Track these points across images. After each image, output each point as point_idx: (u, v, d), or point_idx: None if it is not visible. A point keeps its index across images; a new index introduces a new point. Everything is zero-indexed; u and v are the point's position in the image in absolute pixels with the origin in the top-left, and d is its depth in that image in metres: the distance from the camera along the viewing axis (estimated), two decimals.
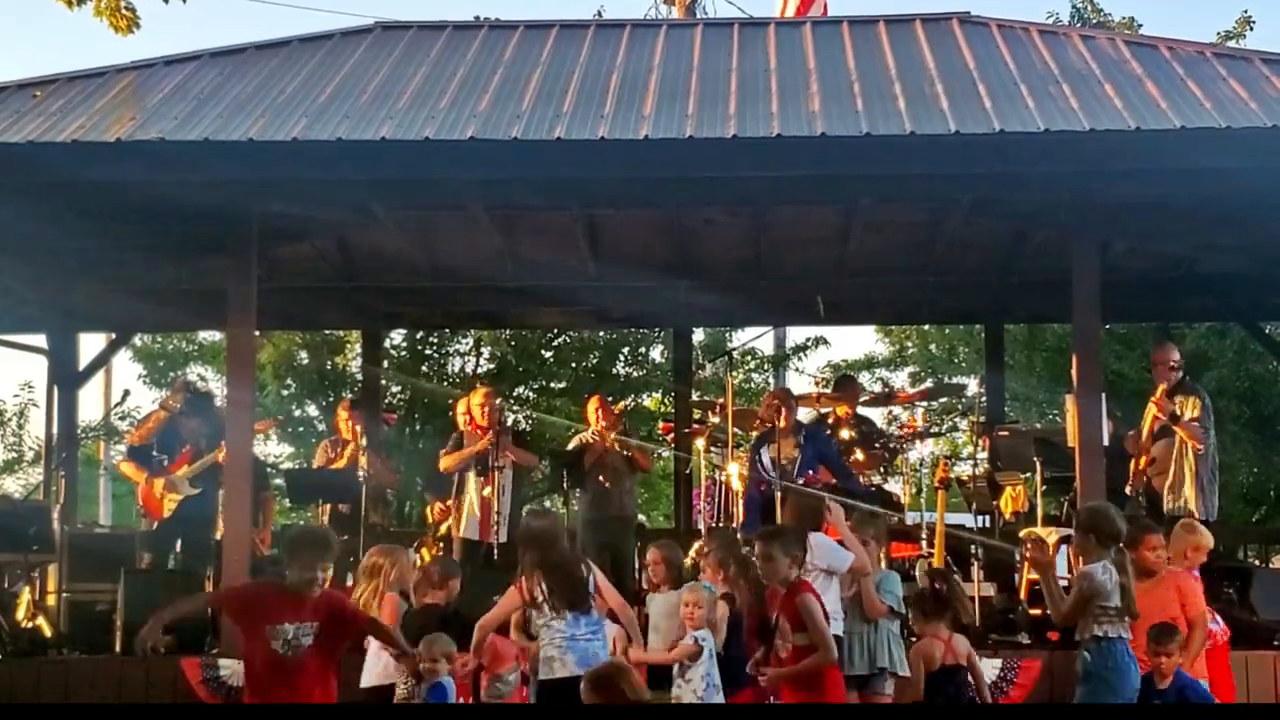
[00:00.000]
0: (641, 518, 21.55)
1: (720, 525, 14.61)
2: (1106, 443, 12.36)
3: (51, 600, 13.58)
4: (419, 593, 10.68)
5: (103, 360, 19.10)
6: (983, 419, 16.56)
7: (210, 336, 24.89)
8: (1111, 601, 9.41)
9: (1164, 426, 13.33)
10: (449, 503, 14.52)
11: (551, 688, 9.71)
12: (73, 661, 12.45)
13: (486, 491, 14.01)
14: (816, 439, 14.26)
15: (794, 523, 10.83)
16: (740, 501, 14.32)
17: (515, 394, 24.71)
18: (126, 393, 20.08)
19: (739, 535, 12.31)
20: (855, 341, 47.74)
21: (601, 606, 10.19)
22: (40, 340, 17.05)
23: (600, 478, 14.58)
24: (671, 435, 17.33)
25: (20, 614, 13.23)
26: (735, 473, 14.64)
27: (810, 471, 13.59)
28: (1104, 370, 14.01)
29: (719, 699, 10.07)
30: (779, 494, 13.04)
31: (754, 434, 16.87)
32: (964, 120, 11.31)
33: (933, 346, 29.60)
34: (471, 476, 14.29)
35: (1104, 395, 12.30)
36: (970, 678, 10.48)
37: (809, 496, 11.65)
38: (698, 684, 10.05)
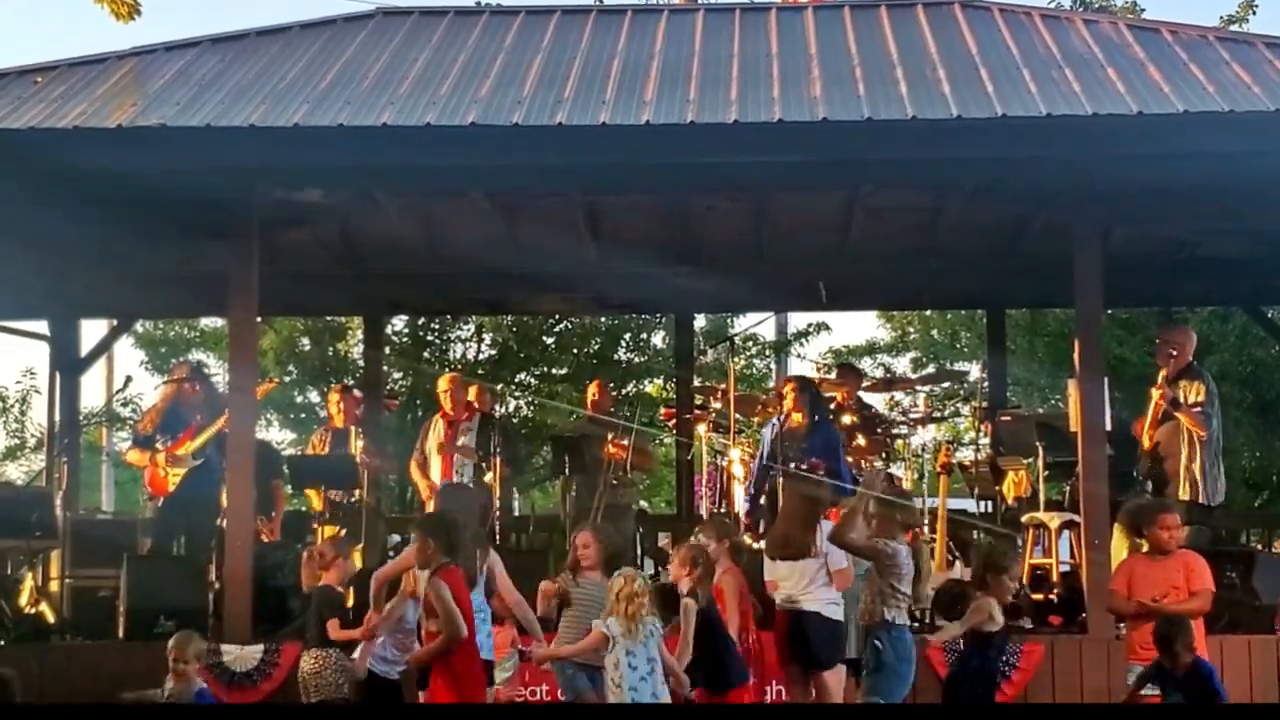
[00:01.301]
0: (643, 504, 21.57)
1: (718, 512, 14.62)
2: (1109, 428, 12.36)
3: (54, 586, 13.60)
4: (308, 575, 10.75)
5: (104, 347, 19.10)
6: (985, 404, 16.56)
7: (212, 323, 24.90)
8: (903, 586, 9.48)
9: (1167, 412, 13.34)
10: None
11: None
12: (75, 647, 12.48)
13: (488, 478, 14.00)
14: (825, 431, 14.22)
15: (796, 509, 10.83)
16: (742, 485, 14.34)
17: (517, 380, 24.71)
18: (128, 379, 20.13)
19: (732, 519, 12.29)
20: (857, 327, 47.95)
21: (500, 605, 10.25)
22: (42, 327, 17.06)
23: (599, 464, 14.58)
24: (673, 421, 17.33)
25: (23, 600, 13.25)
26: (737, 458, 14.65)
27: (812, 459, 13.59)
28: (1106, 355, 13.99)
29: (660, 689, 10.00)
30: (780, 480, 13.05)
31: (755, 420, 16.92)
32: (966, 105, 11.30)
33: (934, 332, 29.60)
34: (437, 462, 14.29)
35: (1106, 380, 12.30)
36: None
37: (809, 483, 11.64)
38: (614, 674, 9.83)
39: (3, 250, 14.42)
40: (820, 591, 10.27)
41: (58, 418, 16.81)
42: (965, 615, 10.11)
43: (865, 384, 17.18)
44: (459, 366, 23.21)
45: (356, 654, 10.23)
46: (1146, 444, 13.44)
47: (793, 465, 13.11)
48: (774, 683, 11.00)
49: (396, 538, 14.42)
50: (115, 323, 18.92)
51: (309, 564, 10.91)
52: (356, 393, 16.03)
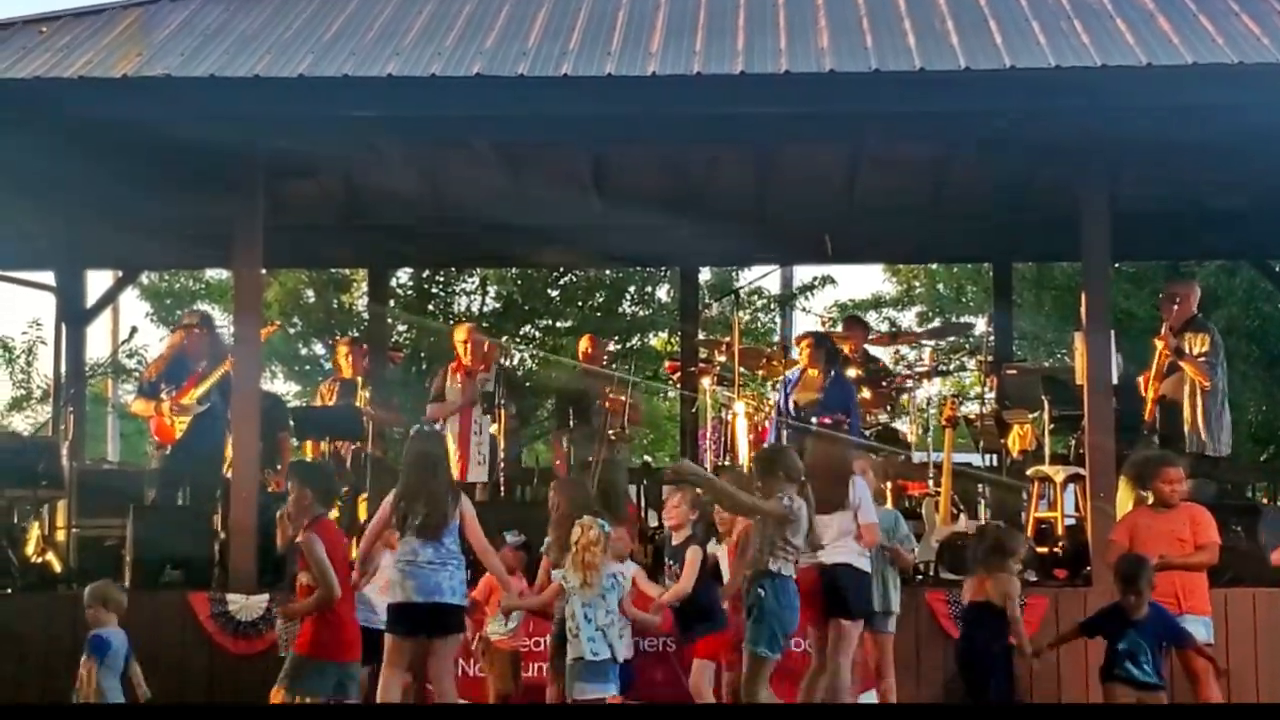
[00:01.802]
0: (648, 458, 21.62)
1: (727, 465, 14.63)
2: (1115, 381, 12.36)
3: (61, 535, 13.61)
4: (282, 533, 10.81)
5: (110, 298, 19.09)
6: (990, 358, 16.55)
7: (217, 274, 24.93)
8: (796, 539, 9.53)
9: (1172, 364, 13.33)
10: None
11: (394, 611, 9.91)
12: (81, 596, 12.49)
13: (494, 429, 14.01)
14: (842, 386, 14.23)
15: (825, 463, 10.82)
16: (751, 437, 14.36)
17: (521, 333, 24.73)
18: (134, 330, 19.95)
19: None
20: (863, 281, 47.87)
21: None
22: (48, 278, 17.05)
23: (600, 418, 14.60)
24: (677, 374, 17.32)
25: (30, 549, 13.26)
26: (742, 412, 14.65)
27: (827, 416, 13.60)
28: (1113, 309, 13.97)
29: (618, 643, 10.01)
30: (801, 435, 13.10)
31: (760, 373, 16.92)
32: (974, 56, 11.24)
33: (940, 285, 29.62)
34: (452, 415, 14.30)
35: (1112, 333, 12.29)
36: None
37: (832, 439, 11.65)
38: (570, 624, 9.95)
39: (9, 201, 14.41)
40: (850, 544, 10.28)
41: (63, 369, 16.82)
42: (998, 583, 10.06)
43: (871, 337, 17.18)
44: (464, 319, 23.21)
45: None
46: (1152, 397, 13.43)
47: (814, 420, 13.15)
48: (801, 640, 11.03)
49: None
50: (121, 274, 18.91)
51: (282, 522, 10.97)
52: (365, 345, 16.04)
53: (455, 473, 13.86)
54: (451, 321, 22.65)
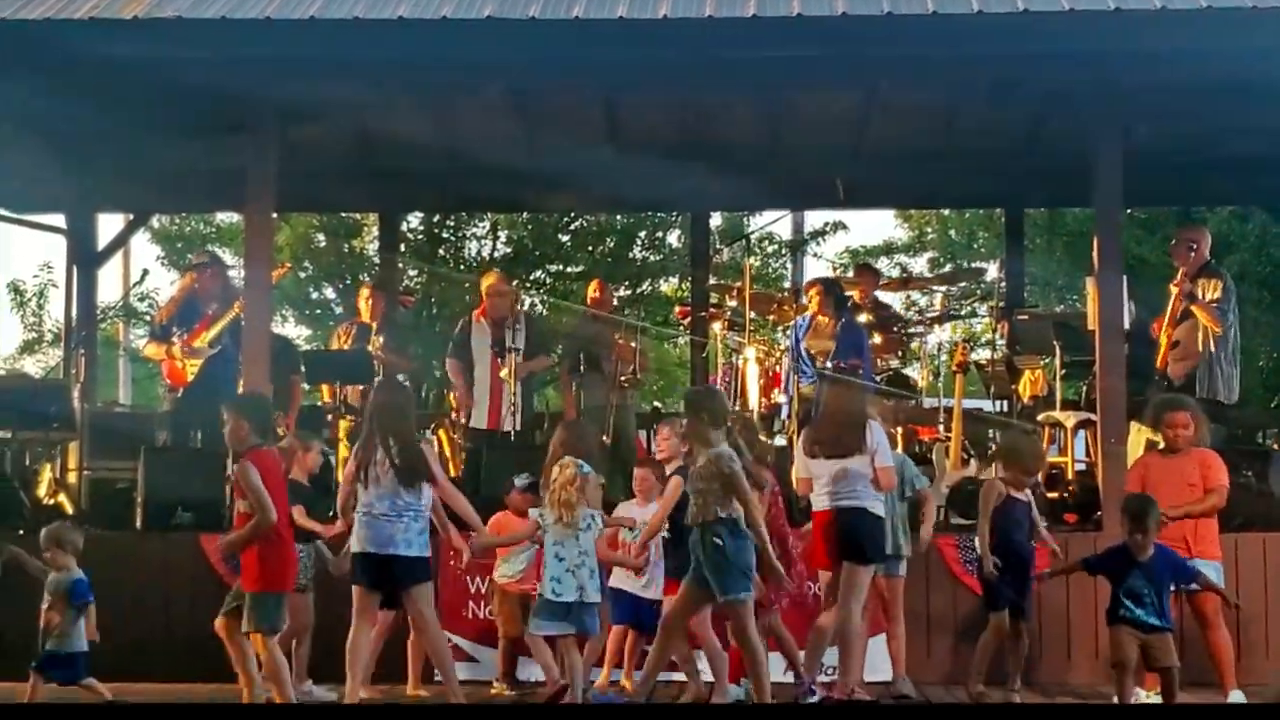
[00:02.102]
0: (657, 404, 21.61)
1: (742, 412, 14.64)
2: (1127, 326, 12.36)
3: (72, 478, 13.65)
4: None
5: (121, 241, 19.09)
6: (1002, 303, 16.53)
7: (228, 218, 24.92)
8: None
9: (1186, 310, 13.32)
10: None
11: (355, 561, 9.98)
12: (93, 537, 12.48)
13: (503, 374, 14.00)
14: (853, 331, 14.23)
15: (842, 408, 10.83)
16: (762, 382, 14.38)
17: (532, 278, 24.72)
18: (145, 273, 20.13)
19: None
20: (874, 226, 47.69)
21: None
22: (59, 220, 17.04)
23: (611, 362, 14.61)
24: (688, 320, 17.32)
25: (42, 491, 13.30)
26: (752, 357, 14.66)
27: (851, 359, 13.61)
28: (1124, 254, 13.95)
29: (588, 584, 10.03)
30: (815, 383, 13.11)
31: (771, 318, 16.91)
32: (988, 0, 11.20)
33: (952, 231, 29.56)
34: (482, 363, 14.28)
35: (1125, 279, 12.27)
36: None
37: (848, 384, 11.64)
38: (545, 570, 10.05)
39: (20, 143, 14.40)
40: (865, 488, 10.29)
41: (75, 312, 16.83)
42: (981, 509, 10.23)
43: (881, 283, 17.16)
44: (475, 264, 23.21)
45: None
46: (1164, 342, 13.43)
47: (829, 366, 13.16)
48: (812, 583, 11.06)
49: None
50: (132, 218, 18.91)
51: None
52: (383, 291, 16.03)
53: (484, 422, 13.91)
54: (462, 266, 22.68)
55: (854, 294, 15.54)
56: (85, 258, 17.00)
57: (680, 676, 10.63)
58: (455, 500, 10.30)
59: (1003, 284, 17.53)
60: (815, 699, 10.12)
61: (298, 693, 10.57)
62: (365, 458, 9.93)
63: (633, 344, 14.67)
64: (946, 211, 28.34)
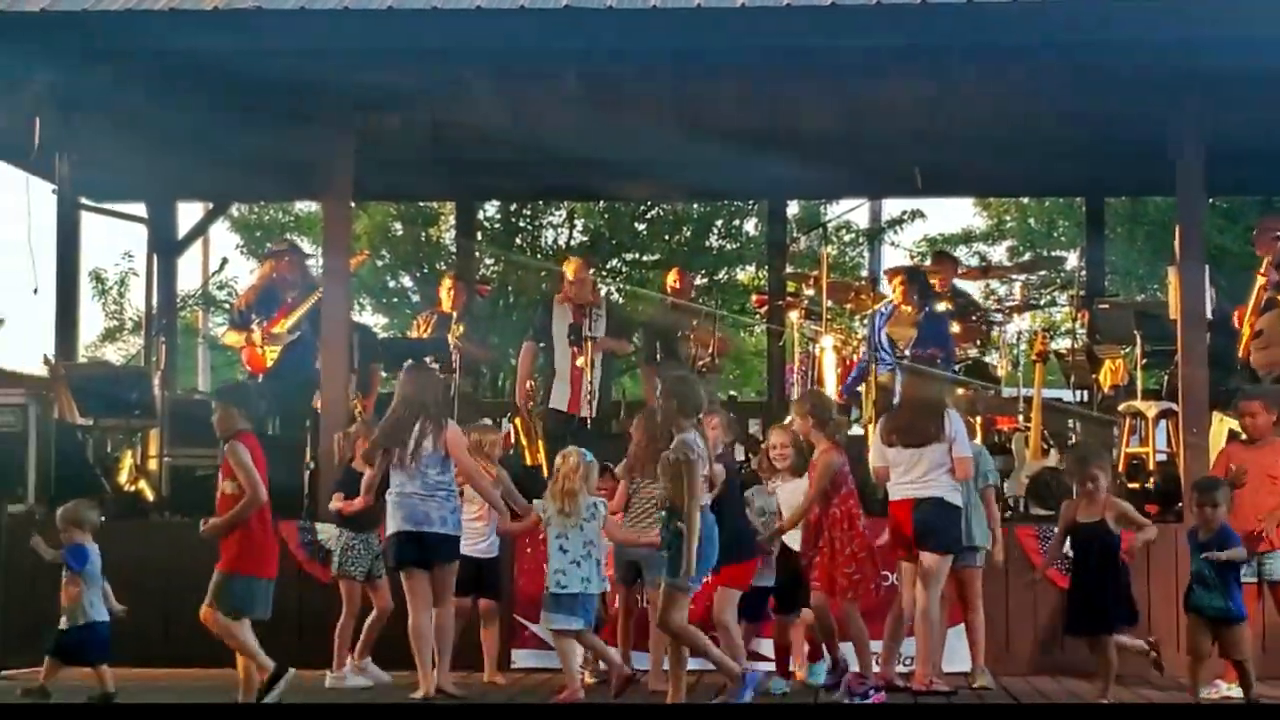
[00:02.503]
0: (733, 392, 21.59)
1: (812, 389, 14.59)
2: (1210, 316, 12.23)
3: (153, 465, 13.75)
4: (339, 450, 11.27)
5: (201, 230, 19.22)
6: (1082, 292, 16.39)
7: (307, 207, 25.05)
8: (705, 471, 9.44)
9: (1270, 299, 13.17)
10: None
11: (390, 541, 10.26)
12: (173, 524, 12.65)
13: (580, 362, 14.02)
14: (936, 321, 14.16)
15: (920, 396, 10.78)
16: (839, 371, 14.32)
17: (608, 266, 24.73)
18: (225, 261, 20.26)
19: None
20: (953, 214, 47.64)
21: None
22: (140, 209, 17.16)
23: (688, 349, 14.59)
24: (765, 308, 17.27)
25: (123, 478, 13.41)
26: (830, 346, 14.60)
27: (930, 349, 13.55)
28: (1206, 243, 13.81)
29: (594, 575, 10.02)
30: (893, 371, 13.05)
31: (848, 307, 16.85)
32: None
33: (1031, 220, 29.37)
34: (562, 347, 14.31)
35: (1207, 268, 12.15)
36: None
37: (927, 373, 11.58)
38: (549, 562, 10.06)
39: (102, 133, 14.49)
40: (943, 478, 10.24)
41: (155, 300, 16.96)
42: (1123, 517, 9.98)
43: (960, 272, 17.05)
44: (551, 253, 23.23)
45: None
46: (1247, 332, 13.29)
47: (909, 354, 13.10)
48: (889, 574, 11.01)
49: (488, 421, 14.47)
50: (211, 206, 19.03)
51: (340, 442, 11.28)
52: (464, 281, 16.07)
53: (565, 405, 13.94)
54: (539, 254, 22.72)
55: (933, 282, 15.44)
56: (165, 246, 17.12)
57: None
58: (476, 482, 10.37)
59: (1083, 273, 17.38)
60: (870, 699, 9.96)
61: (353, 669, 10.68)
62: (395, 439, 10.09)
63: (711, 330, 14.64)
64: (1026, 200, 28.15)
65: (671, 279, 15.78)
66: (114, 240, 62.17)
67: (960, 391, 13.26)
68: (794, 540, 10.54)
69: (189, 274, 27.16)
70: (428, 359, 12.86)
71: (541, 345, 14.69)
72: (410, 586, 10.13)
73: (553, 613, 9.98)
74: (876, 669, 10.43)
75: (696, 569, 9.36)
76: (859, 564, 10.07)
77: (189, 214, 18.34)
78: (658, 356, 14.85)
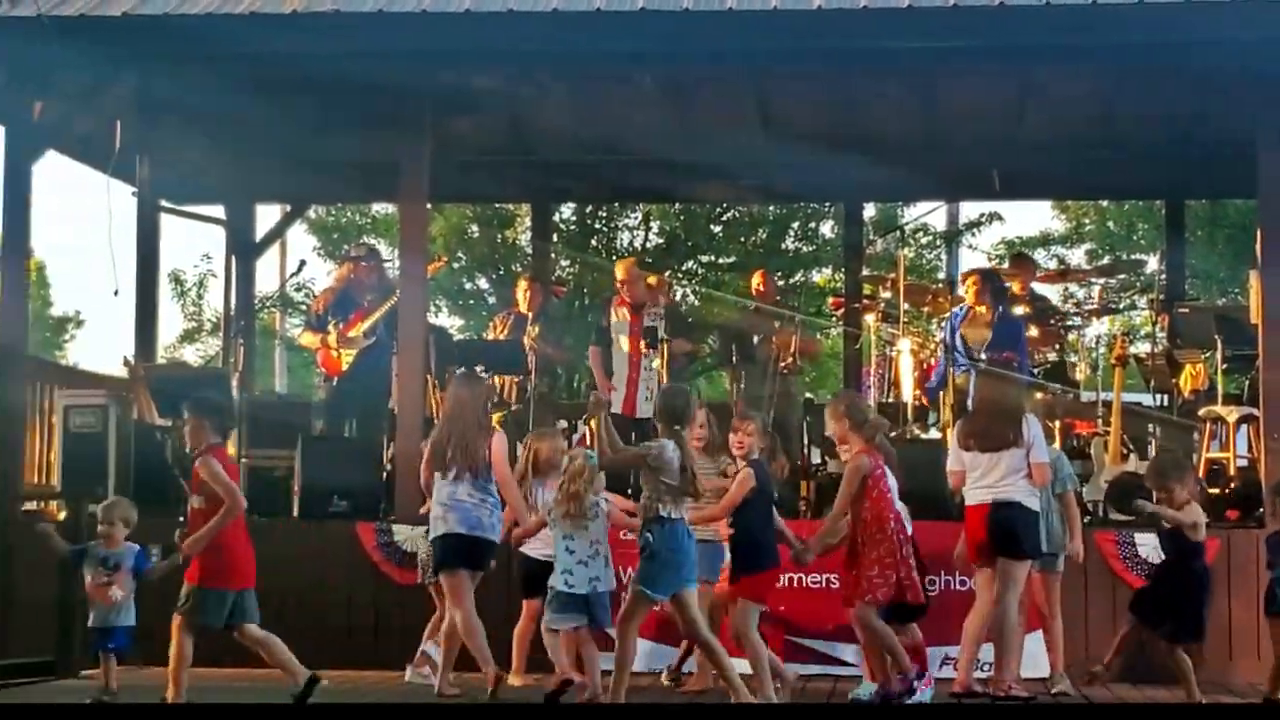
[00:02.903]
0: (809, 395, 21.49)
1: (847, 390, 14.53)
2: None
3: None
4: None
5: (278, 232, 19.35)
6: (1162, 296, 16.25)
7: (383, 209, 25.14)
8: (670, 479, 9.35)
9: None
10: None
11: (439, 544, 10.30)
12: (251, 524, 12.68)
13: (655, 364, 14.01)
14: (1011, 323, 14.07)
15: (997, 400, 10.70)
16: (916, 374, 14.25)
17: (684, 269, 24.71)
18: (302, 263, 20.29)
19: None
20: (1031, 217, 47.14)
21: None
22: (219, 211, 17.29)
23: (767, 354, 14.54)
24: (841, 311, 17.22)
25: None
26: (906, 349, 14.53)
27: (1005, 352, 13.45)
28: None
29: (603, 574, 9.94)
30: (968, 373, 12.97)
31: (925, 310, 16.77)
32: None
33: (1111, 223, 29.15)
34: (624, 350, 14.31)
35: None
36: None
37: (1004, 376, 11.48)
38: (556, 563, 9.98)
39: (181, 136, 14.63)
40: (1020, 482, 10.15)
41: (233, 301, 17.08)
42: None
43: (1039, 274, 16.95)
44: (626, 254, 23.22)
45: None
46: None
47: (984, 357, 13.01)
48: (966, 579, 10.96)
49: (564, 424, 14.49)
50: (289, 208, 19.15)
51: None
52: (540, 283, 16.09)
53: (620, 408, 13.93)
54: (614, 257, 22.70)
55: (1013, 285, 15.35)
56: (244, 248, 17.25)
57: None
58: (506, 489, 10.41)
59: (1163, 276, 17.25)
60: (919, 697, 9.90)
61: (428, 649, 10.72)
62: (442, 449, 10.29)
63: (792, 331, 14.59)
64: (1105, 203, 27.95)
65: (756, 281, 15.72)
66: (193, 242, 62.78)
67: (1038, 395, 13.15)
68: None
69: (267, 276, 27.37)
70: (478, 367, 12.93)
71: (604, 347, 14.68)
72: (455, 586, 10.23)
73: (556, 613, 9.95)
74: (956, 673, 10.36)
75: (659, 579, 9.37)
76: (883, 568, 9.82)
77: (267, 216, 18.49)
78: (733, 359, 14.81)
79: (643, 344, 14.17)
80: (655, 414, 9.96)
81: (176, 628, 9.48)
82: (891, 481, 10.05)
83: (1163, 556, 10.17)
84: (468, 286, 25.55)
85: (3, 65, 12.25)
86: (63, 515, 12.38)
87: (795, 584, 11.37)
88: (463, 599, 10.19)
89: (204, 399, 10.30)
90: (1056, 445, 12.18)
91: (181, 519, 10.09)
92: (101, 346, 56.54)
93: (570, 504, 9.91)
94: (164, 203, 15.79)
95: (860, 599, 9.84)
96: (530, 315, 15.02)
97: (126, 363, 14.57)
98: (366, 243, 18.51)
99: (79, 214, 31.87)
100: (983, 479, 10.24)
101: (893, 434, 13.43)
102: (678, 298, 23.15)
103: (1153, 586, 10.15)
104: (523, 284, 15.73)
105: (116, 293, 12.84)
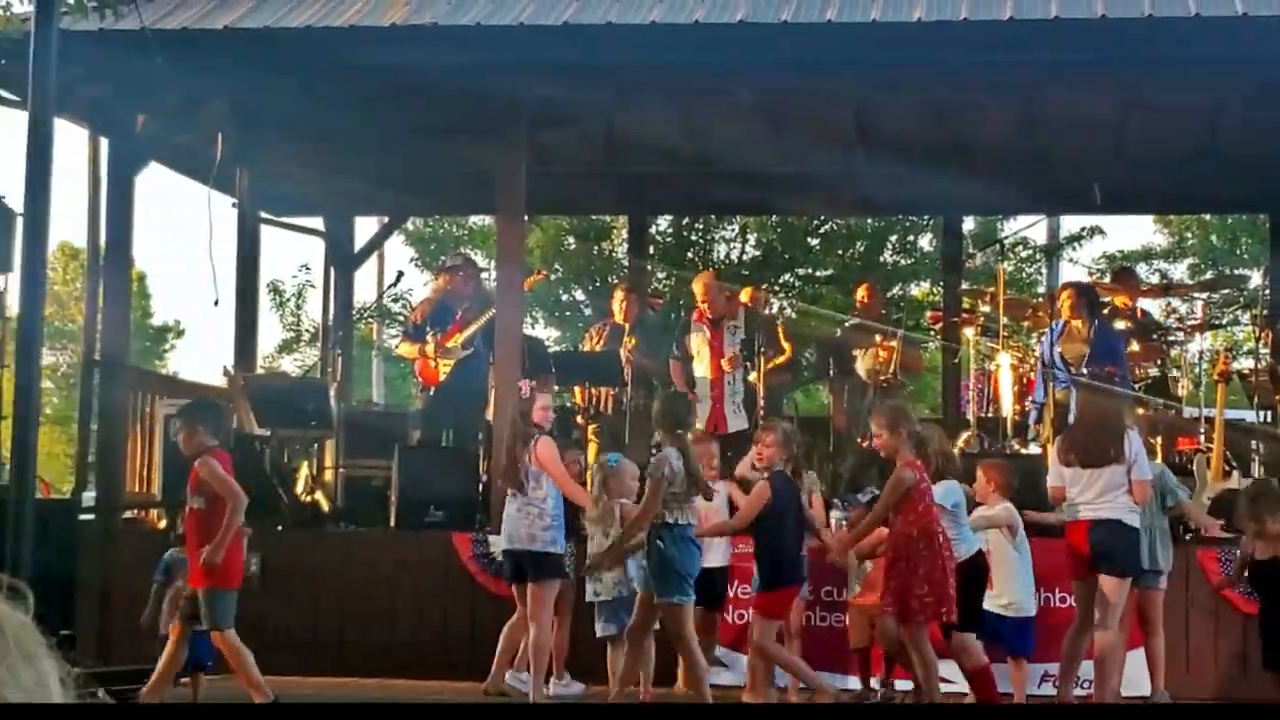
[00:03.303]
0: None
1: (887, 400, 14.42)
2: None
3: (329, 475, 13.93)
4: None
5: (376, 243, 19.45)
6: (1266, 311, 16.03)
7: (480, 221, 25.26)
8: (675, 486, 9.45)
9: None
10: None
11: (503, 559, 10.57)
12: (349, 535, 12.79)
13: (752, 376, 13.96)
14: (1108, 336, 13.93)
15: (1099, 415, 10.58)
16: (1016, 389, 14.12)
17: (781, 281, 24.66)
18: (400, 274, 20.39)
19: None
20: (1132, 231, 46.69)
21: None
22: (318, 223, 17.42)
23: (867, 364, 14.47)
24: (940, 325, 17.11)
25: (299, 487, 13.59)
26: (1006, 363, 14.42)
27: (1107, 366, 13.32)
28: None
29: (636, 574, 9.98)
30: (1069, 389, 12.85)
31: (1025, 324, 16.62)
32: (1252, 2, 10.87)
33: (1214, 237, 28.85)
34: (704, 362, 14.27)
35: None
36: None
37: (1106, 391, 11.36)
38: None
39: (281, 148, 14.76)
40: (1121, 499, 10.02)
41: (331, 312, 17.19)
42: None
43: (1141, 289, 16.77)
44: (723, 267, 23.21)
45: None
46: None
47: (1084, 372, 12.88)
48: (1046, 591, 10.86)
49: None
50: (387, 220, 19.26)
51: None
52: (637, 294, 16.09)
53: (707, 423, 13.89)
54: (711, 269, 22.69)
55: (1117, 299, 15.20)
56: (342, 259, 17.36)
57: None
58: (563, 487, 10.43)
59: (1267, 291, 17.03)
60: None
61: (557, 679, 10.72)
62: (498, 470, 10.59)
63: (892, 345, 14.51)
64: (1208, 217, 27.65)
65: (861, 294, 15.66)
66: (292, 253, 63.33)
67: (1140, 411, 13.01)
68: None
69: (365, 286, 27.53)
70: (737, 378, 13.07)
71: (684, 362, 14.64)
72: (519, 599, 10.46)
73: (597, 620, 10.08)
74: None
75: (679, 584, 9.45)
76: (934, 586, 9.58)
77: (365, 227, 18.60)
78: (831, 372, 14.74)
79: (725, 359, 14.13)
80: (655, 421, 10.05)
81: (177, 635, 9.64)
82: (953, 494, 9.94)
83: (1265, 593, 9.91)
84: (564, 298, 25.63)
85: (107, 78, 12.39)
86: (162, 523, 12.52)
87: None
88: (534, 611, 10.21)
89: (194, 406, 10.48)
90: (1159, 460, 12.05)
91: (177, 533, 10.21)
92: (201, 356, 57.23)
93: (595, 510, 10.05)
94: (264, 214, 15.92)
95: (913, 620, 9.67)
96: (626, 327, 15.03)
97: (226, 372, 14.70)
98: (462, 253, 18.57)
99: (180, 225, 32.22)
100: (1082, 495, 10.13)
101: (992, 449, 13.37)
102: (773, 310, 23.14)
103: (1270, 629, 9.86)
104: (619, 295, 15.74)
105: (217, 303, 12.94)
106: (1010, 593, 10.48)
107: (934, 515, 9.74)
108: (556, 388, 14.68)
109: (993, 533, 10.42)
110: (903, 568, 9.66)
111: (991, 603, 10.26)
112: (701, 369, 14.31)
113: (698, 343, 14.44)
